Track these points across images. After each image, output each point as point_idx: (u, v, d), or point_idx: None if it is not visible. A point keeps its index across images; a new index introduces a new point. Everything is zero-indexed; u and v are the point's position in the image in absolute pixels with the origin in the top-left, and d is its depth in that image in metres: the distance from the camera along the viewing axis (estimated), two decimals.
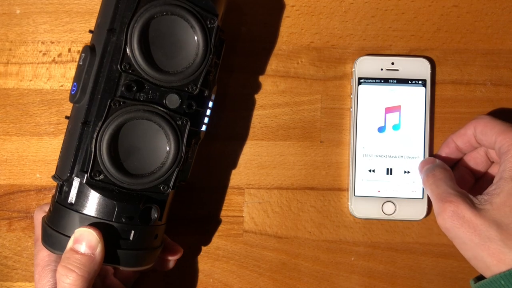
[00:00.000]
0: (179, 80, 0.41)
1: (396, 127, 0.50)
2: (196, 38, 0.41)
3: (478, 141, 0.46)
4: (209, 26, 0.41)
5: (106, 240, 0.40)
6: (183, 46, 0.41)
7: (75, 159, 0.41)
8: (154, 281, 0.51)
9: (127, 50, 0.40)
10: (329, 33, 0.52)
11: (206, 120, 0.45)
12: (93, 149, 0.40)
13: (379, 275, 0.51)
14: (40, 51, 0.52)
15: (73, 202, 0.40)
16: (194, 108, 0.42)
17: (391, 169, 0.50)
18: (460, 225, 0.41)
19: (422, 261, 0.51)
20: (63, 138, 0.52)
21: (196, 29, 0.41)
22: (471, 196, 0.42)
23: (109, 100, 0.40)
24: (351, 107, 0.51)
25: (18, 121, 0.52)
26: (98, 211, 0.40)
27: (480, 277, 0.43)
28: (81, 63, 0.41)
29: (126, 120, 0.40)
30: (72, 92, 0.42)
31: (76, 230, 0.40)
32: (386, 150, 0.50)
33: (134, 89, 0.40)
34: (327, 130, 0.52)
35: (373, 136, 0.50)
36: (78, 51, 0.52)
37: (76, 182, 0.40)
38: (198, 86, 0.42)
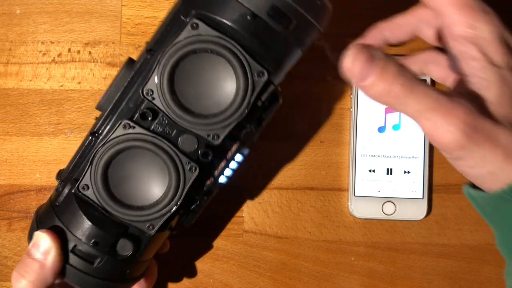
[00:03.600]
0: (202, 124, 0.37)
1: (396, 127, 0.50)
2: (235, 86, 0.36)
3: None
4: (255, 78, 0.36)
5: (68, 255, 0.38)
6: (218, 90, 0.37)
7: (75, 165, 0.40)
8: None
9: (156, 76, 0.36)
10: (328, 33, 0.52)
11: (228, 173, 0.41)
12: (88, 163, 0.38)
13: (379, 275, 0.51)
14: (40, 51, 0.52)
15: (58, 204, 0.40)
16: (209, 158, 0.38)
17: (391, 169, 0.50)
18: (480, 138, 0.31)
19: (422, 261, 0.51)
20: (63, 138, 0.52)
21: (238, 77, 0.36)
22: (459, 95, 0.33)
23: (120, 121, 0.37)
24: (351, 107, 0.51)
25: (18, 121, 0.52)
26: (71, 223, 0.39)
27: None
28: (118, 73, 0.39)
29: (128, 146, 0.38)
30: (101, 99, 0.39)
31: (35, 233, 0.38)
32: (386, 150, 0.50)
33: (149, 118, 0.37)
34: (327, 130, 0.52)
35: (373, 136, 0.50)
36: (78, 51, 0.52)
37: (67, 188, 0.39)
38: (221, 138, 0.37)
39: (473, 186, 0.36)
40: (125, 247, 0.39)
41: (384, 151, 0.50)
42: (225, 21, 0.35)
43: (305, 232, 0.52)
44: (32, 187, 0.52)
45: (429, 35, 0.37)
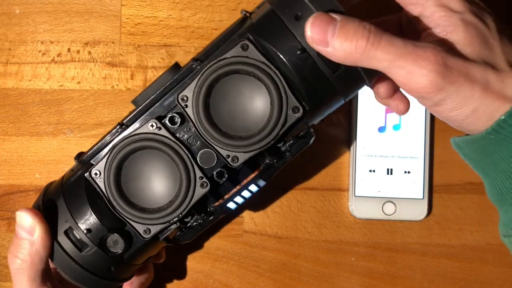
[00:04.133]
0: (225, 144, 0.36)
1: (396, 127, 0.50)
2: (268, 115, 0.36)
3: None
4: (289, 112, 0.35)
5: (58, 233, 0.39)
6: (250, 114, 0.36)
7: (96, 150, 0.40)
8: (152, 281, 0.51)
9: (194, 85, 0.36)
10: None
11: (239, 200, 0.40)
12: (107, 152, 0.38)
13: (380, 275, 0.51)
14: (40, 51, 0.52)
15: (67, 183, 0.40)
16: (223, 179, 0.37)
17: (391, 169, 0.50)
18: (456, 76, 0.32)
19: (423, 261, 0.51)
20: (62, 138, 0.52)
21: (273, 107, 0.36)
22: (428, 41, 0.33)
23: (148, 119, 0.37)
24: (351, 107, 0.51)
25: (17, 121, 0.52)
26: (73, 205, 0.39)
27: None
28: (162, 74, 0.39)
29: (149, 146, 0.37)
30: (138, 95, 0.39)
31: (16, 213, 0.39)
32: (387, 150, 0.50)
33: (177, 124, 0.37)
34: (327, 130, 0.52)
35: (374, 136, 0.50)
36: (78, 51, 0.52)
37: (81, 170, 0.39)
38: (239, 162, 0.36)
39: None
40: (116, 243, 0.39)
41: (384, 151, 0.50)
42: (274, 49, 0.35)
43: (305, 232, 0.51)
44: (32, 187, 0.52)
45: None
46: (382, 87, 0.38)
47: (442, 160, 0.51)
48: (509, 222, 0.35)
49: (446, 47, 0.32)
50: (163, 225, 0.38)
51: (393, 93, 0.38)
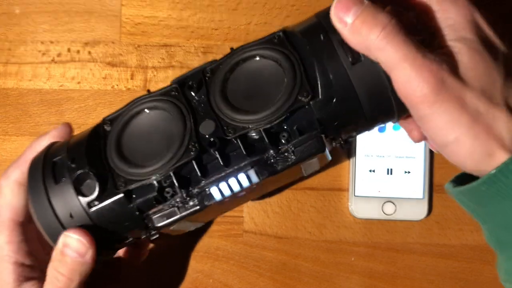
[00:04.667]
0: (227, 116, 0.36)
1: (396, 127, 0.50)
2: (277, 97, 0.35)
3: None
4: (298, 96, 0.35)
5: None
6: (263, 96, 0.36)
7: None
8: (153, 281, 0.51)
9: (222, 61, 0.38)
10: None
11: (226, 190, 0.36)
12: (126, 106, 0.39)
13: (380, 275, 0.51)
14: (40, 51, 0.52)
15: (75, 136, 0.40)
16: (213, 149, 0.35)
17: (391, 169, 0.50)
18: (448, 96, 0.31)
19: (423, 261, 0.51)
20: None
21: (285, 89, 0.35)
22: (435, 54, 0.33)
23: (172, 84, 0.38)
24: None
25: (17, 121, 0.52)
26: (74, 145, 0.38)
27: (460, 179, 0.36)
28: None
29: (158, 106, 0.38)
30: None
31: (63, 234, 0.37)
32: (386, 150, 0.50)
33: (192, 89, 0.37)
34: None
35: (373, 136, 0.50)
36: (78, 51, 0.52)
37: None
38: (235, 134, 0.35)
39: (454, 182, 0.36)
40: (90, 187, 0.37)
41: (384, 151, 0.50)
42: (304, 38, 0.36)
43: (305, 232, 0.51)
44: None
45: None
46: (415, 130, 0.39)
47: (442, 160, 0.51)
48: (509, 270, 0.35)
49: (451, 65, 0.32)
50: (139, 183, 0.36)
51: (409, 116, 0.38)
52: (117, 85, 0.52)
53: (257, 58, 0.37)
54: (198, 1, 0.52)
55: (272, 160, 0.36)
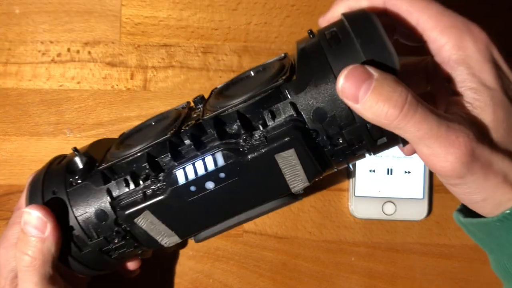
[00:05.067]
0: (210, 104, 0.36)
1: None
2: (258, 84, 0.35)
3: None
4: (277, 79, 0.34)
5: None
6: (246, 86, 0.36)
7: None
8: (153, 281, 0.51)
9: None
10: None
11: (190, 173, 0.35)
12: None
13: (380, 275, 0.51)
14: (39, 51, 0.52)
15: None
16: (187, 129, 0.35)
17: (391, 169, 0.50)
18: (477, 167, 0.31)
19: (423, 261, 0.51)
20: (62, 138, 0.52)
21: (269, 78, 0.35)
22: (458, 118, 0.31)
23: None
24: None
25: (17, 121, 0.52)
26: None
27: (466, 210, 0.36)
28: None
29: (167, 116, 0.40)
30: None
31: (23, 210, 0.38)
32: (387, 150, 0.50)
33: (197, 99, 0.38)
34: None
35: None
36: (78, 51, 0.52)
37: None
38: (207, 116, 0.34)
39: (462, 211, 0.36)
40: (76, 163, 0.39)
41: (384, 151, 0.50)
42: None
43: (305, 232, 0.51)
44: None
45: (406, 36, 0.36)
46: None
47: None
48: None
49: (476, 129, 0.31)
50: (117, 160, 0.37)
51: None
52: (117, 85, 0.52)
53: (253, 72, 0.38)
54: (198, 1, 0.52)
55: (244, 149, 0.34)
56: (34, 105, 0.52)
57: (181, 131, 0.36)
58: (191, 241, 0.51)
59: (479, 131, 0.31)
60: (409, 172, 0.50)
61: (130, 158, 0.37)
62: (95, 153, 0.40)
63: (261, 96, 0.34)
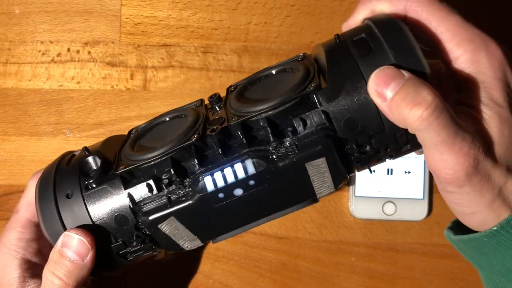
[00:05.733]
0: (234, 108, 0.35)
1: None
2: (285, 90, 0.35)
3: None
4: (308, 88, 0.34)
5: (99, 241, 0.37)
6: (271, 90, 0.36)
7: None
8: (152, 281, 0.51)
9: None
10: (329, 32, 0.52)
11: (219, 180, 0.34)
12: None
13: (380, 275, 0.51)
14: (39, 51, 0.52)
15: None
16: (213, 135, 0.34)
17: (391, 169, 0.50)
18: (477, 180, 0.32)
19: (423, 261, 0.51)
20: (62, 138, 0.52)
21: (296, 82, 0.35)
22: (467, 126, 0.32)
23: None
24: None
25: (17, 121, 0.52)
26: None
27: (458, 225, 0.36)
28: None
29: (180, 115, 0.38)
30: None
31: (64, 233, 0.36)
32: None
33: (213, 97, 0.38)
34: None
35: None
36: (77, 50, 0.52)
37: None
38: (233, 122, 0.34)
39: (453, 229, 0.37)
40: (91, 164, 0.38)
41: None
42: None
43: (305, 232, 0.51)
44: None
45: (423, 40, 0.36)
46: None
47: None
48: None
49: (485, 144, 0.32)
50: (139, 165, 0.36)
51: None
52: (117, 85, 0.52)
53: (273, 72, 0.37)
54: (198, 1, 0.52)
55: (274, 156, 0.34)
56: (33, 105, 0.52)
57: (206, 134, 0.35)
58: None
59: (486, 142, 0.32)
60: (409, 172, 0.50)
61: (151, 162, 0.35)
62: (107, 153, 0.39)
63: (291, 103, 0.34)
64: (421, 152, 0.37)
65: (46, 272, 0.37)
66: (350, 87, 0.33)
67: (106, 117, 0.51)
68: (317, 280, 0.51)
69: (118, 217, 0.37)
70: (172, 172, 0.35)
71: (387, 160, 0.37)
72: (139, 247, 0.38)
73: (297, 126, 0.34)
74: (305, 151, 0.34)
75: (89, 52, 0.52)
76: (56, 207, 0.37)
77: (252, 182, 0.34)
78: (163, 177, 0.36)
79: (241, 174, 0.34)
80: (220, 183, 0.34)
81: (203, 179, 0.34)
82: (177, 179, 0.35)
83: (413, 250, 0.51)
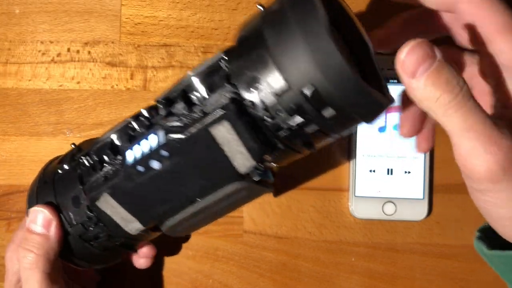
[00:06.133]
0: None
1: (396, 127, 0.50)
2: None
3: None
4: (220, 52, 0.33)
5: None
6: None
7: None
8: (151, 281, 0.51)
9: None
10: None
11: (138, 151, 0.35)
12: None
13: (380, 275, 0.51)
14: (39, 51, 0.52)
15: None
16: (143, 112, 0.37)
17: (391, 169, 0.50)
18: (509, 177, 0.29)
19: (423, 261, 0.51)
20: (62, 138, 0.52)
21: None
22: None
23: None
24: None
25: (17, 121, 0.52)
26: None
27: (486, 236, 0.34)
28: None
29: None
30: None
31: (30, 210, 0.40)
32: (387, 150, 0.50)
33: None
34: None
35: (374, 136, 0.50)
36: (77, 50, 0.52)
37: None
38: (159, 98, 0.35)
39: (482, 239, 0.34)
40: (67, 154, 0.43)
41: (384, 151, 0.50)
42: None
43: (305, 232, 0.51)
44: None
45: (463, 38, 0.34)
46: (406, 126, 0.37)
47: (442, 160, 0.51)
48: None
49: None
50: (90, 149, 0.39)
51: (417, 132, 0.36)
52: (117, 85, 0.52)
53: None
54: (198, 1, 0.52)
55: (183, 124, 0.34)
56: (33, 105, 0.52)
57: (138, 115, 0.37)
58: (191, 241, 0.51)
59: None
60: (409, 172, 0.50)
61: (99, 144, 0.38)
62: (86, 146, 0.42)
63: (204, 72, 0.34)
64: (424, 149, 0.37)
65: (19, 250, 0.39)
66: (251, 46, 0.32)
67: (106, 117, 0.52)
68: (317, 280, 0.51)
69: (73, 198, 0.40)
70: (108, 151, 0.38)
71: (329, 136, 0.34)
72: (96, 231, 0.40)
73: (206, 93, 0.34)
74: (208, 116, 0.33)
75: (89, 52, 0.52)
76: (36, 193, 0.41)
77: (165, 153, 0.34)
78: (104, 158, 0.38)
79: (154, 144, 0.35)
80: (138, 154, 0.35)
81: (126, 153, 0.36)
82: (112, 157, 0.38)
83: (413, 250, 0.51)
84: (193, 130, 0.33)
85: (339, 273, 0.51)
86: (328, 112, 0.31)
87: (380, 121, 0.50)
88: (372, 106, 0.32)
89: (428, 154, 0.50)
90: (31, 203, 0.41)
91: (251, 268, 0.51)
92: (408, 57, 0.29)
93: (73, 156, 0.41)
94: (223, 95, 0.33)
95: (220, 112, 0.32)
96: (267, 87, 0.32)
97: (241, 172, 0.34)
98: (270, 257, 0.51)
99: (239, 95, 0.33)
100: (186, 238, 0.51)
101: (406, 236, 0.51)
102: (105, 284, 0.50)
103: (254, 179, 0.35)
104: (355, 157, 0.50)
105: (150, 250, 0.46)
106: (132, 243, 0.43)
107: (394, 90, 0.52)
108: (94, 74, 0.52)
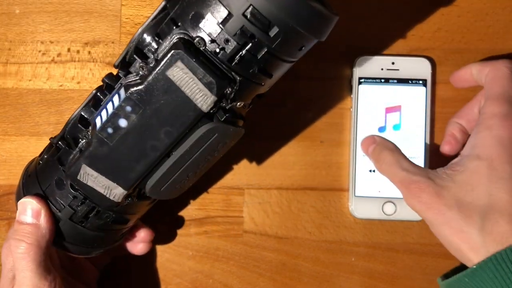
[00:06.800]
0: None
1: (396, 127, 0.50)
2: None
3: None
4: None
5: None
6: None
7: None
8: (151, 281, 0.51)
9: None
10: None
11: (104, 115, 0.37)
12: None
13: (380, 275, 0.51)
14: (39, 51, 0.52)
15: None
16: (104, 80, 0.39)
17: None
18: (426, 208, 0.40)
19: (423, 261, 0.51)
20: None
21: None
22: (431, 173, 0.41)
23: None
24: (351, 107, 0.51)
25: (17, 121, 0.52)
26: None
27: (448, 274, 0.42)
28: None
29: None
30: None
31: (19, 202, 0.41)
32: None
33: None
34: (327, 130, 0.52)
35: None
36: (78, 51, 0.52)
37: None
38: (117, 60, 0.38)
39: (447, 275, 0.42)
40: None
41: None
42: None
43: (305, 232, 0.51)
44: None
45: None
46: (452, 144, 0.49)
47: (442, 160, 0.51)
48: None
49: (440, 179, 0.41)
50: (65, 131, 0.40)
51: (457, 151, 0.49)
52: None
53: None
54: None
55: (143, 75, 0.35)
56: (34, 105, 0.52)
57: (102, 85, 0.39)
58: (191, 241, 0.51)
59: (436, 181, 0.41)
60: None
61: (70, 124, 0.39)
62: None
63: (150, 23, 0.35)
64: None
65: (11, 242, 0.40)
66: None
67: None
68: (317, 280, 0.51)
69: (56, 181, 0.40)
70: (79, 126, 0.39)
71: (282, 59, 0.36)
72: (84, 209, 0.40)
73: (156, 42, 0.35)
74: (162, 61, 0.34)
75: (89, 52, 0.52)
76: (22, 188, 0.42)
77: (129, 108, 0.35)
78: (77, 134, 0.39)
79: (116, 102, 0.36)
80: (105, 117, 0.37)
81: (95, 119, 0.37)
82: (84, 130, 0.39)
83: (413, 250, 0.51)
84: (150, 78, 0.34)
85: (339, 273, 0.51)
86: (273, 31, 0.33)
87: (380, 121, 0.50)
88: (315, 18, 0.34)
89: (428, 154, 0.50)
90: (19, 198, 0.42)
91: (251, 268, 0.51)
92: (362, 145, 0.48)
93: (50, 145, 0.42)
94: (173, 39, 0.34)
95: (172, 54, 0.34)
96: (212, 20, 0.33)
97: (205, 111, 0.35)
98: (270, 257, 0.51)
99: (187, 34, 0.34)
100: (186, 237, 0.51)
101: (406, 236, 0.51)
102: (105, 284, 0.50)
103: (221, 119, 0.36)
104: (355, 157, 0.50)
105: (148, 234, 0.47)
106: (123, 216, 0.42)
107: (394, 90, 0.52)
108: (94, 74, 0.52)
